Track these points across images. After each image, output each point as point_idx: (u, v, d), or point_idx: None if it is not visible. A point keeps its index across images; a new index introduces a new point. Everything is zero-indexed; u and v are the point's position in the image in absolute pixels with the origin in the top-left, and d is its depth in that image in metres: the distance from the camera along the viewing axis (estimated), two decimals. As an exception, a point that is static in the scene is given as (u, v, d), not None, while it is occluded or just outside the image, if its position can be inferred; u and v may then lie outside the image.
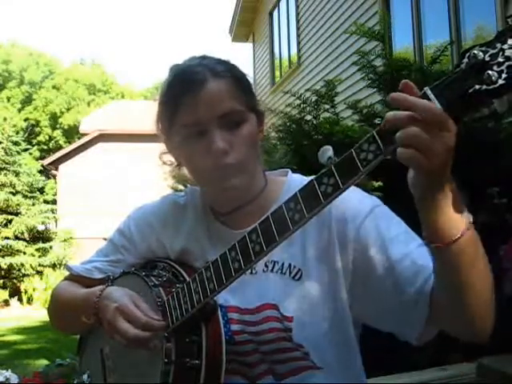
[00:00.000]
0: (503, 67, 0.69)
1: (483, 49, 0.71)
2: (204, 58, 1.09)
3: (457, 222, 0.80)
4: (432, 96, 0.72)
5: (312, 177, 0.84)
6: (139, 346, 1.01)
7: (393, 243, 0.98)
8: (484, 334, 0.91)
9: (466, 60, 0.72)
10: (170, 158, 1.16)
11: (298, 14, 9.20)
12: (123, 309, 1.02)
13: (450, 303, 0.88)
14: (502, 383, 2.29)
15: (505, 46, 0.69)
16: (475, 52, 0.71)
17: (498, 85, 0.69)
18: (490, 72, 0.69)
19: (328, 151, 0.82)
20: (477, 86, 0.70)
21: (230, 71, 1.06)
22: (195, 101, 1.02)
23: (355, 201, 1.03)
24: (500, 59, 0.69)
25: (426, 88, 0.73)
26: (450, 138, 0.73)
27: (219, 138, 1.01)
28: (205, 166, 1.04)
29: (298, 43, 9.16)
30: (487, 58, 0.70)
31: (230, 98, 1.03)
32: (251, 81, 1.14)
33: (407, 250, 0.96)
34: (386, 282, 0.97)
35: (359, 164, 0.76)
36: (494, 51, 0.70)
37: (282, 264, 1.05)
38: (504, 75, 0.69)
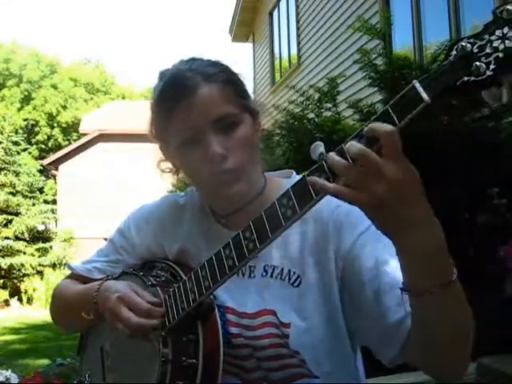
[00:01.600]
0: (491, 58, 0.69)
1: (471, 40, 0.71)
2: (194, 60, 1.07)
3: (433, 274, 0.78)
4: (420, 89, 0.72)
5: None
6: (141, 335, 1.01)
7: (386, 266, 0.96)
8: (456, 374, 0.92)
9: (454, 52, 0.72)
10: (168, 164, 1.14)
11: (298, 13, 9.20)
12: (125, 297, 1.02)
13: (422, 345, 0.87)
14: (501, 383, 2.29)
15: (492, 38, 0.70)
16: (463, 44, 0.71)
17: (485, 76, 0.69)
18: (477, 63, 0.69)
19: (319, 147, 0.81)
20: (465, 78, 0.70)
21: (221, 73, 1.04)
22: (188, 107, 1.00)
23: (355, 212, 0.98)
24: (488, 50, 0.70)
25: (414, 81, 0.73)
26: (388, 169, 0.71)
27: (216, 143, 1.00)
28: (203, 172, 1.03)
29: (298, 43, 9.16)
30: (475, 50, 0.70)
31: (224, 102, 1.01)
32: (247, 80, 1.12)
33: (398, 277, 0.92)
34: (371, 303, 0.96)
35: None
36: (482, 43, 0.70)
37: (282, 269, 1.04)
38: (492, 66, 0.69)
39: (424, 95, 0.71)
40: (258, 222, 0.87)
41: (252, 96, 1.13)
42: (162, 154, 1.12)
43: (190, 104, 1.00)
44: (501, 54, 0.68)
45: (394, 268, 0.95)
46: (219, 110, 1.01)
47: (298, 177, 1.14)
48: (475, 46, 0.70)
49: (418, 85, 0.72)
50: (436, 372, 0.93)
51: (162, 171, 1.16)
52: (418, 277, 0.79)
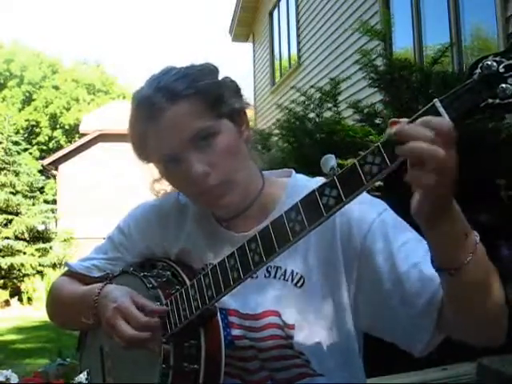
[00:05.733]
0: None
1: (497, 59, 0.66)
2: (164, 74, 1.03)
3: (466, 244, 0.78)
4: (441, 109, 0.68)
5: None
6: (138, 347, 1.00)
7: (400, 252, 0.95)
8: (496, 339, 0.90)
9: (478, 70, 0.67)
10: (161, 186, 1.15)
11: (298, 13, 9.19)
12: (122, 309, 1.00)
13: (460, 316, 0.86)
14: (501, 383, 2.29)
15: None
16: (489, 63, 0.66)
17: None
18: (503, 85, 0.65)
19: (331, 160, 0.78)
20: (489, 100, 0.66)
21: (190, 86, 0.99)
22: (160, 134, 0.99)
23: (361, 206, 0.98)
24: None
25: (435, 100, 0.69)
26: (455, 153, 0.70)
27: (195, 161, 0.98)
28: (190, 192, 1.04)
29: (298, 43, 9.15)
30: (501, 70, 0.66)
31: (193, 119, 0.98)
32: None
33: (415, 259, 0.93)
34: (393, 295, 0.95)
35: (363, 177, 0.73)
36: (509, 62, 0.66)
37: (285, 270, 1.03)
38: None
39: (445, 116, 0.68)
40: (264, 235, 0.86)
41: (240, 94, 1.08)
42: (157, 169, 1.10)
43: (160, 130, 0.99)
44: None
45: (407, 252, 0.95)
46: (190, 129, 0.98)
47: (300, 177, 1.12)
48: (501, 66, 0.66)
49: (438, 104, 0.69)
50: (477, 338, 0.92)
51: (156, 194, 1.17)
52: (457, 251, 0.78)
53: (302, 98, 3.97)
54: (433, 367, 2.46)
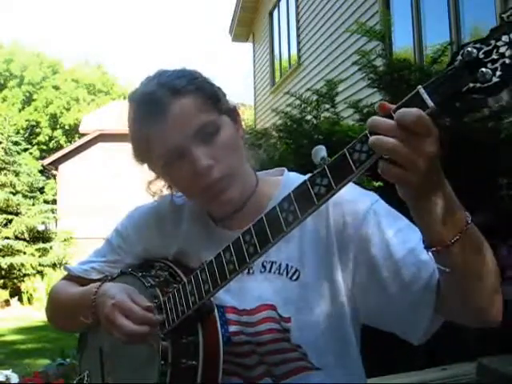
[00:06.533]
0: (497, 64, 0.68)
1: (477, 46, 0.69)
2: (160, 74, 1.05)
3: (454, 223, 0.79)
4: (425, 95, 0.71)
5: (308, 175, 0.83)
6: (138, 342, 1.01)
7: (395, 240, 0.97)
8: (494, 318, 0.89)
9: (459, 57, 0.70)
10: (157, 186, 1.15)
11: (297, 13, 9.20)
12: (120, 304, 1.01)
13: (455, 297, 0.87)
14: (501, 383, 2.29)
15: (499, 43, 0.68)
16: (469, 49, 0.69)
17: (492, 83, 0.68)
18: (483, 70, 0.68)
19: (321, 151, 0.81)
20: (471, 84, 0.69)
21: (189, 84, 1.02)
22: (164, 129, 0.99)
23: (353, 197, 1.02)
24: (494, 56, 0.68)
25: (419, 86, 0.72)
26: (431, 144, 0.71)
27: (200, 155, 0.99)
28: (194, 187, 1.03)
29: (298, 43, 9.16)
30: (481, 56, 0.69)
31: (197, 113, 1.00)
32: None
33: (410, 245, 0.95)
34: (390, 282, 0.95)
35: (352, 164, 0.75)
36: (488, 48, 0.68)
37: (280, 264, 1.04)
38: (498, 73, 0.67)
39: (429, 102, 0.70)
40: (258, 226, 0.87)
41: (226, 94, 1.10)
42: (152, 171, 1.11)
43: (164, 124, 0.99)
44: (507, 60, 0.67)
45: (402, 239, 0.96)
46: (195, 123, 1.00)
47: (293, 174, 1.13)
48: (481, 52, 0.69)
49: (422, 91, 0.71)
50: (475, 318, 0.92)
51: (153, 195, 1.16)
52: (443, 229, 0.78)
53: (299, 102, 3.97)
54: (433, 367, 2.46)
